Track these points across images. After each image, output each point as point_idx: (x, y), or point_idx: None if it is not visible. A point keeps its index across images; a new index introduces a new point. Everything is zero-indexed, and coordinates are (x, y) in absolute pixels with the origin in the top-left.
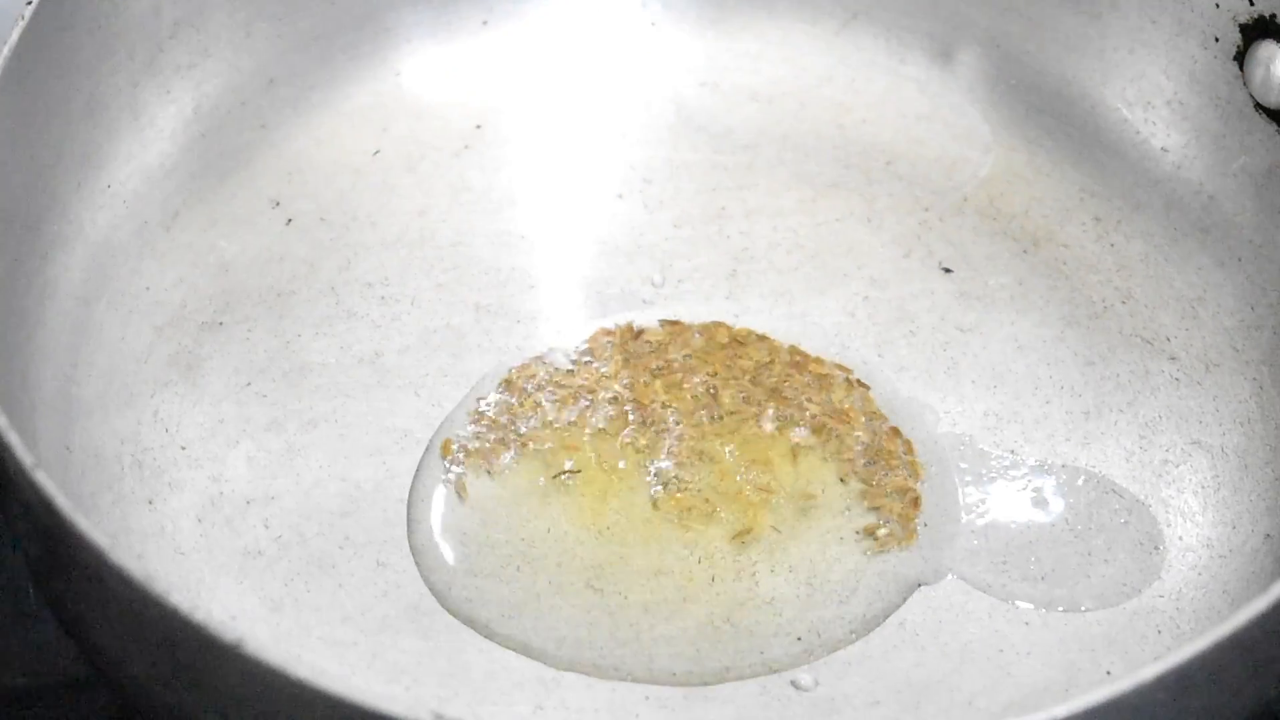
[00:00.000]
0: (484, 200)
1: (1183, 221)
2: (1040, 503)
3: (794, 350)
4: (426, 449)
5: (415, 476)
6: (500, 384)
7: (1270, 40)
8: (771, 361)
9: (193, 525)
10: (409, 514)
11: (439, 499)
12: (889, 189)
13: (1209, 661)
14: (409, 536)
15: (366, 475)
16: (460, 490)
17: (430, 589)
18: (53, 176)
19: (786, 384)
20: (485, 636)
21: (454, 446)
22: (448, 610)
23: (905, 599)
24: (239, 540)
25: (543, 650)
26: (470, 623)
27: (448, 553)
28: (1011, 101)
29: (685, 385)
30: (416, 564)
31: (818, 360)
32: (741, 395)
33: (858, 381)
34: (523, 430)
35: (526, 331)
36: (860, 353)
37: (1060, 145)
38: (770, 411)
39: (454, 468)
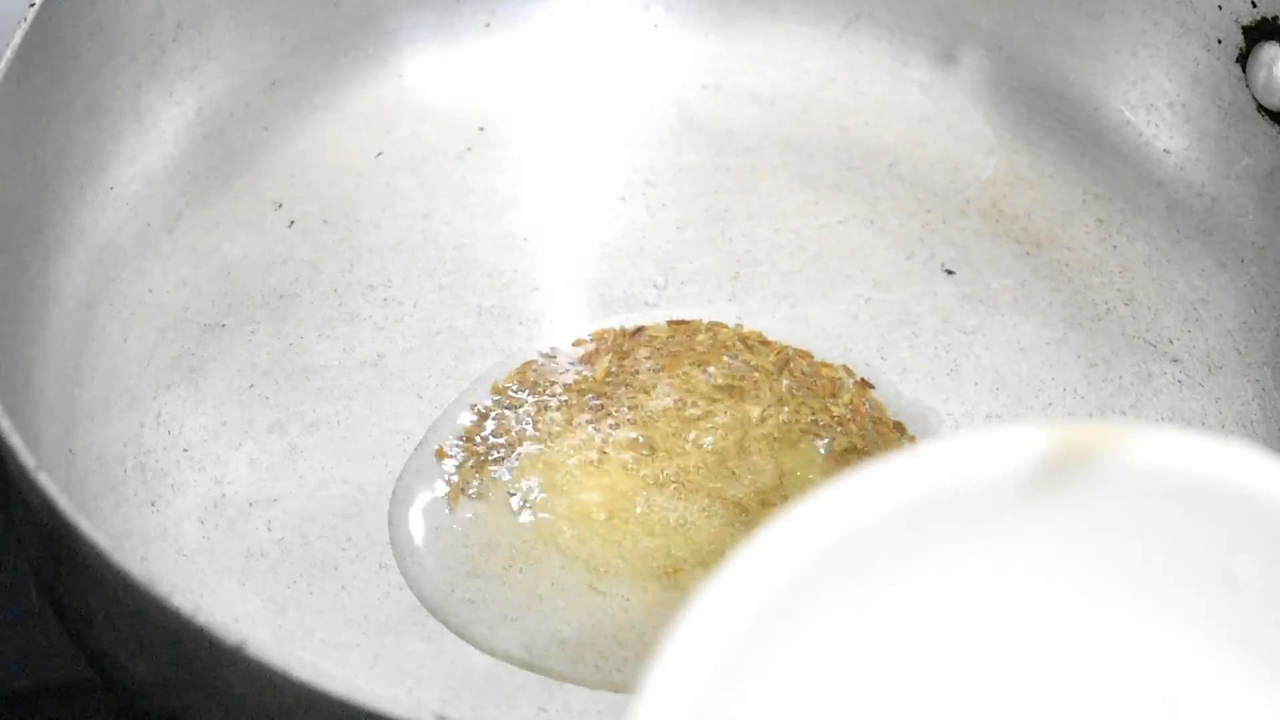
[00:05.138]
0: (487, 203)
1: (1185, 223)
2: None
3: (800, 353)
4: (419, 448)
5: (415, 479)
6: (499, 385)
7: (1273, 42)
8: (776, 363)
9: (195, 527)
10: (408, 517)
11: (436, 502)
12: (891, 191)
13: None
14: (406, 540)
15: (369, 477)
16: (458, 493)
17: (430, 594)
18: (55, 179)
19: (792, 386)
20: (484, 644)
21: (450, 450)
22: (446, 615)
23: None
24: (241, 542)
25: (545, 651)
26: (465, 629)
27: (445, 555)
28: (1014, 104)
29: (687, 386)
30: (419, 567)
31: (827, 365)
32: (747, 398)
33: (864, 382)
34: (522, 431)
35: (529, 334)
36: (863, 355)
37: (1063, 148)
38: (775, 413)
39: (450, 470)
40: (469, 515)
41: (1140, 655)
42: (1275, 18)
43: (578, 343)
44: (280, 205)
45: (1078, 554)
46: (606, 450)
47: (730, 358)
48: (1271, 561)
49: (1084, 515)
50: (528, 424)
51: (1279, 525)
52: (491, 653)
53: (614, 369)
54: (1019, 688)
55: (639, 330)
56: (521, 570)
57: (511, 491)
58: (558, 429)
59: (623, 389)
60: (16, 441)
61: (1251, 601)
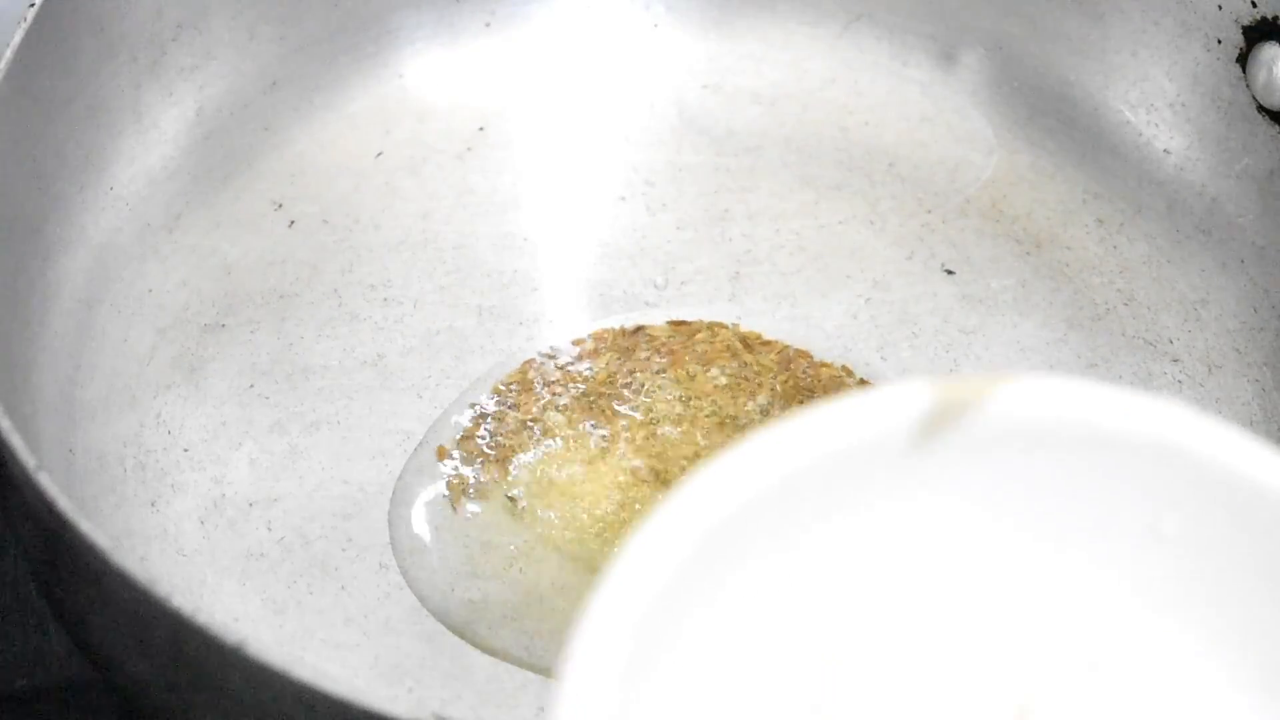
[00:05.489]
0: (487, 203)
1: (1185, 223)
2: None
3: (800, 353)
4: (419, 448)
5: (415, 479)
6: (499, 385)
7: (1273, 42)
8: (777, 363)
9: (195, 527)
10: (408, 517)
11: (436, 502)
12: (892, 191)
13: None
14: (406, 540)
15: (369, 477)
16: (458, 494)
17: (430, 594)
18: (55, 179)
19: (792, 386)
20: (484, 644)
21: (450, 450)
22: (446, 615)
23: None
24: (241, 542)
25: (545, 651)
26: (465, 629)
27: (445, 556)
28: (1014, 104)
29: (688, 386)
30: (419, 567)
31: (827, 365)
32: (747, 397)
33: (864, 382)
34: (522, 431)
35: (529, 334)
36: (863, 355)
37: (1063, 147)
38: (775, 413)
39: (450, 470)
40: (469, 515)
41: (1066, 609)
42: (1275, 18)
43: (578, 342)
44: (280, 205)
45: (1005, 503)
46: (606, 450)
47: (730, 358)
48: (1196, 515)
49: (1012, 465)
50: (528, 424)
51: (1205, 481)
52: (491, 653)
53: (614, 369)
54: (943, 638)
55: (639, 330)
56: (521, 570)
57: (511, 491)
58: (558, 429)
59: (623, 389)
60: (16, 441)
61: (1176, 553)
